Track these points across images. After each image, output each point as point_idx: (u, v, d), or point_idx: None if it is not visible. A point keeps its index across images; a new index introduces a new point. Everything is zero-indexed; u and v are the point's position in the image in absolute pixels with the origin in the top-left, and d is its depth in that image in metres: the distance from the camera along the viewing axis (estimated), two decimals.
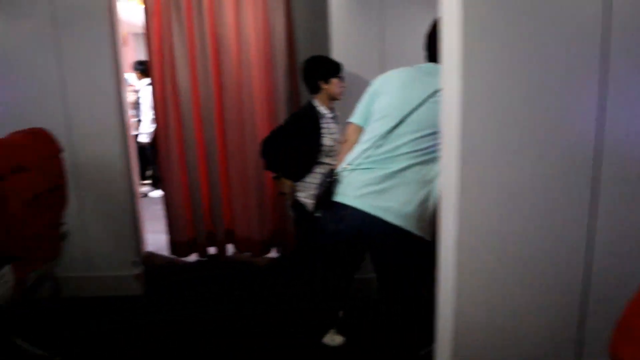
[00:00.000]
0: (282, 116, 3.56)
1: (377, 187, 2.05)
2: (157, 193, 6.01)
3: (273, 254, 3.88)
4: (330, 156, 2.69)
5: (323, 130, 2.67)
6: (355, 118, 2.24)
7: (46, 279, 2.79)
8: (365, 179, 2.07)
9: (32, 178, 2.30)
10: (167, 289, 3.40)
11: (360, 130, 2.21)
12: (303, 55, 3.51)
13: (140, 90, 5.78)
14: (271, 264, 3.80)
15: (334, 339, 2.55)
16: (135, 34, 7.30)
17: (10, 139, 2.32)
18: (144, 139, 5.75)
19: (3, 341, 2.53)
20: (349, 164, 2.16)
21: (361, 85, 2.47)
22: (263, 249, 3.81)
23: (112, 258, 3.22)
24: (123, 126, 3.15)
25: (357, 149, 2.15)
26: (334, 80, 2.71)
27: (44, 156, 2.47)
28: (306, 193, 2.71)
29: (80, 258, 3.17)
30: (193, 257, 3.86)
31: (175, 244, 3.78)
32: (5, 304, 2.23)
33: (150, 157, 5.93)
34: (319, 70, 2.71)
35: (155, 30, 3.48)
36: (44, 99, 3.01)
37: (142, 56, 6.29)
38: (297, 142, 2.69)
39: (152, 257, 3.86)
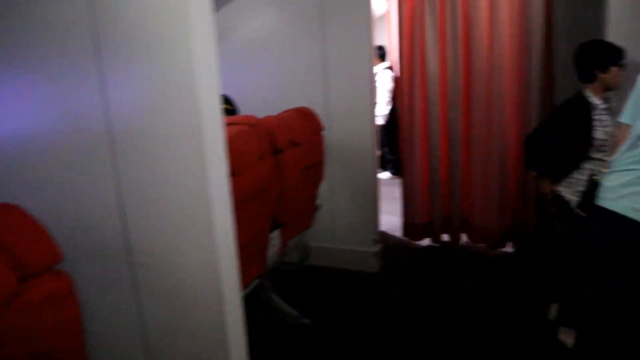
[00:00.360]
0: (534, 105, 3.31)
1: (635, 189, 1.89)
2: (385, 174, 6.18)
3: (508, 248, 3.66)
4: (601, 151, 2.39)
5: (595, 123, 2.38)
6: (623, 116, 2.06)
7: (298, 246, 3.06)
8: (622, 181, 1.94)
9: (301, 153, 2.50)
10: (399, 270, 3.45)
11: (630, 128, 2.01)
12: (562, 40, 3.20)
13: (377, 74, 5.95)
14: (506, 258, 3.59)
15: (567, 338, 2.37)
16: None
17: (285, 116, 2.56)
18: (378, 121, 5.93)
19: (263, 297, 2.85)
20: (609, 166, 2.06)
21: None
22: (498, 242, 3.62)
23: (354, 234, 3.38)
24: (372, 109, 3.25)
25: (620, 150, 2.02)
26: (614, 69, 2.36)
27: (310, 133, 2.68)
28: (571, 189, 2.45)
29: (327, 230, 3.40)
30: (425, 242, 3.86)
31: (409, 227, 3.81)
32: (270, 265, 2.48)
33: (382, 139, 6.10)
34: (597, 57, 2.39)
35: (407, 13, 3.50)
36: (308, 80, 3.26)
37: (377, 42, 6.48)
38: (564, 136, 2.45)
39: (385, 237, 3.96)
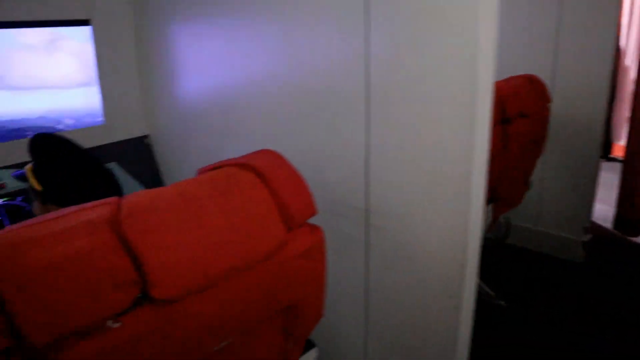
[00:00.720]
0: None
1: None
2: None
3: None
4: None
5: None
6: None
7: (501, 223, 2.88)
8: None
9: (529, 125, 2.30)
10: (606, 265, 3.08)
11: None
12: None
13: None
14: None
15: None
16: None
17: (515, 84, 2.36)
18: None
19: None
20: None
21: None
22: None
23: (562, 218, 3.08)
24: (607, 87, 2.86)
25: None
26: None
27: (538, 105, 2.45)
28: None
29: (532, 210, 3.16)
30: None
31: (624, 219, 3.38)
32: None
33: None
34: None
35: None
36: (535, 45, 2.96)
37: None
38: None
39: (593, 226, 3.57)
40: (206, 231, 0.93)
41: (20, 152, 2.02)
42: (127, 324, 0.85)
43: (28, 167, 1.47)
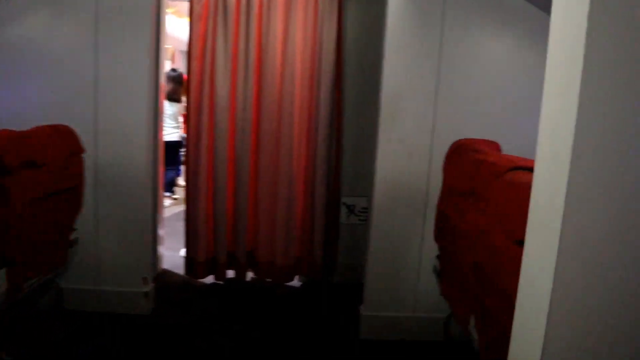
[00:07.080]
0: (322, 132, 3.38)
1: None
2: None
3: (296, 282, 3.60)
4: None
5: None
6: None
7: (49, 288, 2.57)
8: None
9: (44, 175, 2.09)
10: (176, 311, 3.11)
11: None
12: (350, 68, 3.41)
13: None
14: (293, 293, 3.51)
15: None
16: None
17: (25, 132, 2.13)
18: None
19: None
20: None
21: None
22: (286, 276, 3.53)
23: (123, 272, 2.95)
24: (152, 133, 2.93)
25: None
26: None
27: (62, 154, 2.28)
28: None
29: (89, 269, 2.92)
30: (210, 279, 3.59)
31: (192, 263, 3.51)
32: None
33: None
34: None
35: (200, 35, 3.30)
36: (75, 98, 2.80)
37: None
38: None
39: (166, 275, 3.61)
40: None
41: None
42: None
43: None
